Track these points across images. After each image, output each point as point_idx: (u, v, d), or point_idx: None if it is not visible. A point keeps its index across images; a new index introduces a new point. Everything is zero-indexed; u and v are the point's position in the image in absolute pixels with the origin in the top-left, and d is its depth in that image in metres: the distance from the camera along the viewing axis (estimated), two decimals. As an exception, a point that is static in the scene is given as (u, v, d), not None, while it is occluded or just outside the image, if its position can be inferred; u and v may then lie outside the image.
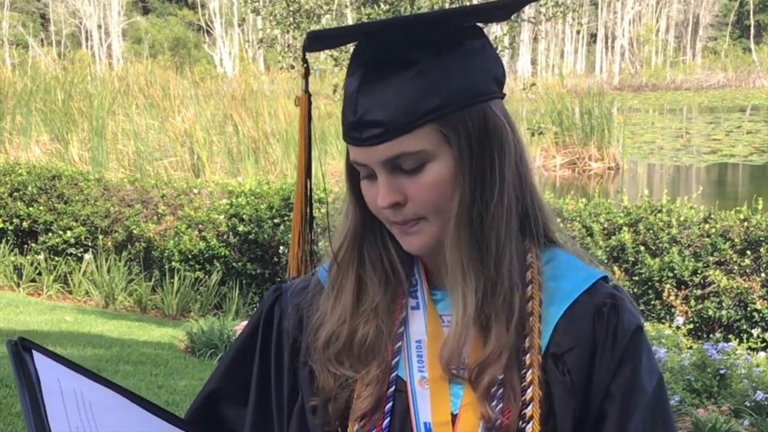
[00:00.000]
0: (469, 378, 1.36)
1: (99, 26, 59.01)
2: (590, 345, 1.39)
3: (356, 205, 1.43)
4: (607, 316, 1.40)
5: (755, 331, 7.24)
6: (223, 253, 9.04)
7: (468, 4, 9.47)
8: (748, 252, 7.45)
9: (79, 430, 1.40)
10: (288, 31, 10.42)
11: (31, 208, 9.90)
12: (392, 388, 1.41)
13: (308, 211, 1.49)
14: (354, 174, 1.41)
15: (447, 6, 9.80)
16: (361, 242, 1.44)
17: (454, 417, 1.38)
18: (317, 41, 1.41)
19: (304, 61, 1.43)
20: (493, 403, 1.35)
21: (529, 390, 1.35)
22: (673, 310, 7.50)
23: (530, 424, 1.34)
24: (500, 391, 1.35)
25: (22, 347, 1.44)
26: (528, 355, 1.36)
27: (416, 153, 1.32)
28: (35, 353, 1.44)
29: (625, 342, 1.39)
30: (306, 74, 1.44)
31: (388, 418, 1.40)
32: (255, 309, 1.63)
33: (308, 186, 1.48)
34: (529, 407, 1.35)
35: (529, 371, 1.35)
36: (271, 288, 1.59)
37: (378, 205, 1.35)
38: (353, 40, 1.42)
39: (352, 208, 1.44)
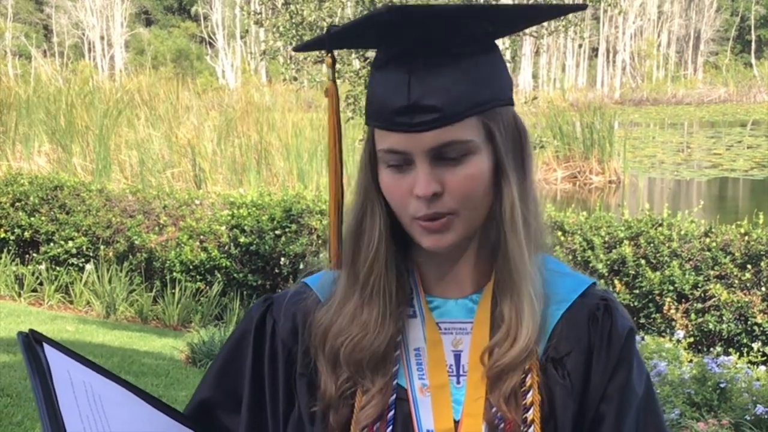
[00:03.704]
0: (493, 377, 1.36)
1: (102, 38, 59.23)
2: (587, 348, 1.41)
3: (382, 203, 1.39)
4: (601, 320, 1.43)
5: (755, 345, 7.23)
6: (224, 264, 9.05)
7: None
8: (749, 266, 7.45)
9: (89, 419, 1.42)
10: (291, 44, 10.44)
11: (32, 218, 9.91)
12: (393, 397, 1.41)
13: (342, 204, 1.45)
14: (375, 170, 1.38)
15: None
16: (388, 245, 1.40)
17: (456, 423, 1.39)
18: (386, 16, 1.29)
19: (330, 51, 1.40)
20: (494, 410, 1.37)
21: (529, 394, 1.37)
22: (673, 323, 7.50)
23: (531, 428, 1.36)
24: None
25: (34, 339, 1.45)
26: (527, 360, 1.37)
27: (465, 142, 1.32)
28: (46, 346, 1.45)
29: (620, 345, 1.42)
30: (333, 63, 1.41)
31: (390, 427, 1.40)
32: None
33: (341, 180, 1.45)
34: (530, 411, 1.36)
35: (529, 375, 1.37)
36: (261, 298, 1.57)
37: (418, 194, 1.31)
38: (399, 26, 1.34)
39: (381, 206, 1.39)
